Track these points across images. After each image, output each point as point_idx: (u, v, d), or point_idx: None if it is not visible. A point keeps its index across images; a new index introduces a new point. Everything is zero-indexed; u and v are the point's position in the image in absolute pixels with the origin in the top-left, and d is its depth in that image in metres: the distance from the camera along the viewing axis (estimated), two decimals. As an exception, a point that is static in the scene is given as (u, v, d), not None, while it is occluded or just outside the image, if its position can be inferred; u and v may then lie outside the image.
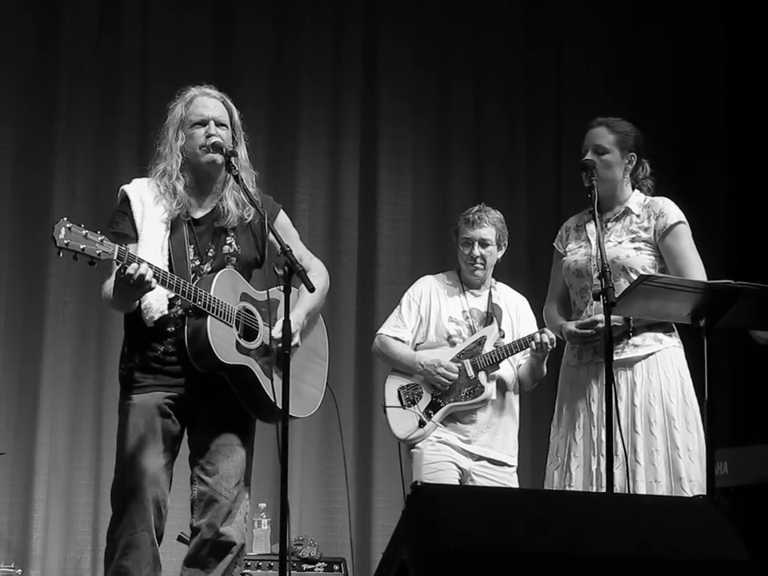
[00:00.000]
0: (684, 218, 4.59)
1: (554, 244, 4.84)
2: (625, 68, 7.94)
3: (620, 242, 4.59)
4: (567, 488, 4.50)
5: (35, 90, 6.80)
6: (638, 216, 4.61)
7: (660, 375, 4.48)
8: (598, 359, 4.48)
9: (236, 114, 4.33)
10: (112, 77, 6.94)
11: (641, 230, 4.59)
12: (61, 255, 3.78)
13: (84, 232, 3.77)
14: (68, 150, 6.79)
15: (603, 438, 4.38)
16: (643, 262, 4.54)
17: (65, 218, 3.77)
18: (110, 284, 4.05)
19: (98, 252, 3.79)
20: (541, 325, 5.13)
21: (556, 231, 4.77)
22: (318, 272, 4.38)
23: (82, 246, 3.76)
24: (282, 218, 4.38)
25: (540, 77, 7.82)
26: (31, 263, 6.63)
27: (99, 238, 3.81)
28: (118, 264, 3.88)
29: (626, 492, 4.28)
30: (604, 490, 4.31)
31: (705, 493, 4.20)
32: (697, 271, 4.50)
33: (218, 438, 4.12)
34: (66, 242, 3.73)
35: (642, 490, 4.36)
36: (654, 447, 4.41)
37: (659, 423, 4.43)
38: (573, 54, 7.87)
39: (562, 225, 4.88)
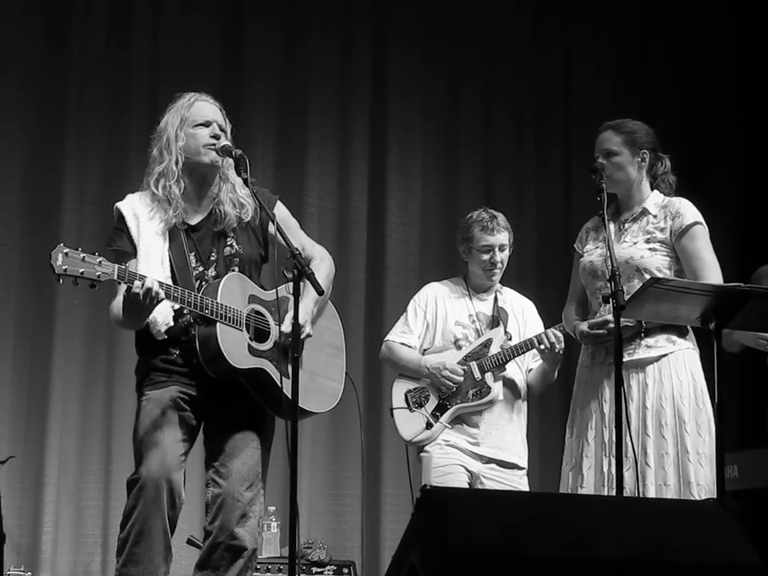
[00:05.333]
0: (701, 219, 4.55)
1: (574, 245, 4.82)
2: (633, 74, 7.92)
3: (635, 243, 4.56)
4: (579, 489, 4.48)
5: (45, 94, 6.82)
6: (654, 216, 4.58)
7: (672, 377, 4.44)
8: (610, 360, 4.43)
9: (229, 127, 4.30)
10: (121, 81, 6.95)
11: (657, 230, 4.55)
12: (61, 282, 3.79)
13: (81, 255, 3.78)
14: (78, 154, 6.80)
15: (614, 439, 4.37)
16: (658, 262, 4.51)
17: (61, 244, 3.78)
18: (116, 305, 4.06)
19: (97, 274, 3.79)
20: (548, 328, 5.13)
21: (565, 236, 4.78)
22: (321, 258, 4.37)
23: (81, 270, 3.77)
24: (280, 209, 4.35)
25: (548, 82, 7.81)
26: (41, 267, 6.60)
27: (97, 260, 3.81)
28: (118, 283, 3.89)
29: (636, 495, 4.26)
30: (614, 491, 4.31)
31: (714, 496, 4.19)
32: (712, 272, 4.45)
33: (232, 441, 4.12)
34: (64, 268, 3.74)
35: (651, 492, 4.34)
36: (663, 450, 4.39)
37: (670, 426, 4.40)
38: (581, 59, 7.86)
39: (583, 226, 4.86)
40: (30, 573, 5.93)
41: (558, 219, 7.59)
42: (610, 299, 4.08)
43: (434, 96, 7.58)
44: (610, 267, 4.15)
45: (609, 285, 4.13)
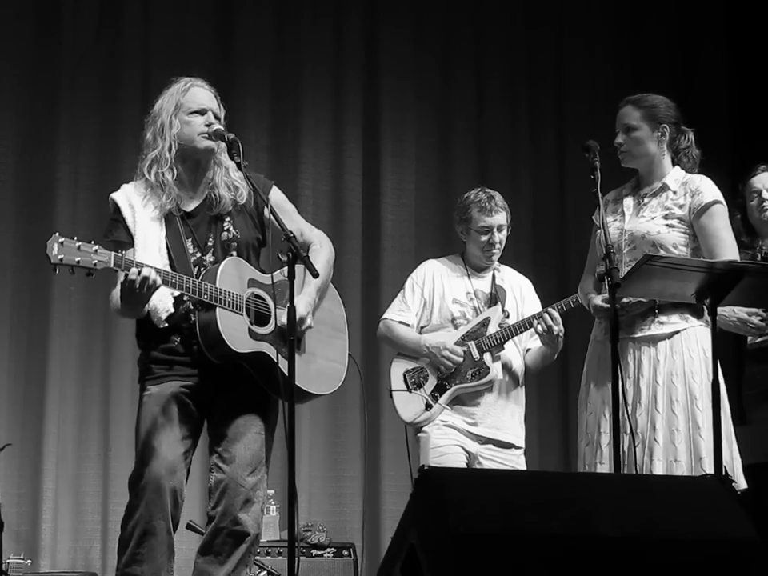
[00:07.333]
0: (721, 198, 4.52)
1: (592, 217, 4.72)
2: (625, 52, 7.92)
3: (653, 218, 4.53)
4: (598, 465, 4.45)
5: (37, 81, 6.81)
6: (674, 193, 4.55)
7: (684, 354, 4.42)
8: (624, 334, 4.40)
9: (223, 113, 4.27)
10: (113, 66, 6.94)
11: (675, 206, 4.52)
12: (57, 272, 3.77)
13: (77, 244, 3.75)
14: (71, 140, 6.80)
15: (626, 415, 4.33)
16: (674, 239, 4.48)
17: (56, 233, 3.75)
18: (116, 294, 4.04)
19: (93, 262, 3.77)
20: (545, 306, 5.13)
21: (559, 215, 4.76)
22: (320, 243, 4.34)
23: (77, 259, 3.74)
24: (276, 194, 4.32)
25: (541, 62, 7.81)
26: (36, 253, 6.57)
27: (93, 248, 3.78)
28: (116, 271, 3.87)
29: (643, 471, 4.25)
30: (631, 468, 4.29)
31: (724, 472, 4.18)
32: (728, 251, 4.42)
33: (235, 426, 4.10)
34: (60, 257, 3.72)
35: (659, 469, 4.31)
36: (674, 426, 4.36)
37: (681, 402, 4.38)
38: (574, 38, 7.86)
39: (603, 197, 4.82)
40: (29, 560, 5.93)
41: (552, 198, 7.59)
42: (605, 277, 4.08)
43: (426, 77, 7.57)
44: (605, 245, 4.15)
45: (604, 263, 4.13)
